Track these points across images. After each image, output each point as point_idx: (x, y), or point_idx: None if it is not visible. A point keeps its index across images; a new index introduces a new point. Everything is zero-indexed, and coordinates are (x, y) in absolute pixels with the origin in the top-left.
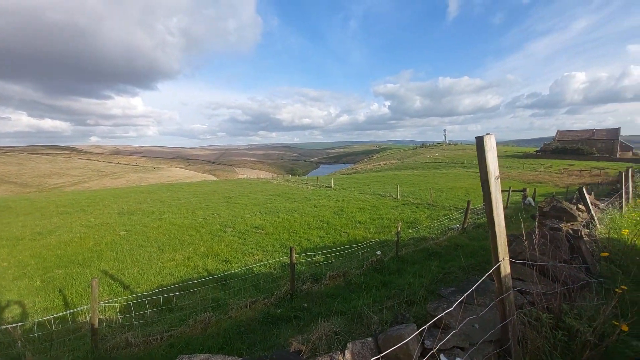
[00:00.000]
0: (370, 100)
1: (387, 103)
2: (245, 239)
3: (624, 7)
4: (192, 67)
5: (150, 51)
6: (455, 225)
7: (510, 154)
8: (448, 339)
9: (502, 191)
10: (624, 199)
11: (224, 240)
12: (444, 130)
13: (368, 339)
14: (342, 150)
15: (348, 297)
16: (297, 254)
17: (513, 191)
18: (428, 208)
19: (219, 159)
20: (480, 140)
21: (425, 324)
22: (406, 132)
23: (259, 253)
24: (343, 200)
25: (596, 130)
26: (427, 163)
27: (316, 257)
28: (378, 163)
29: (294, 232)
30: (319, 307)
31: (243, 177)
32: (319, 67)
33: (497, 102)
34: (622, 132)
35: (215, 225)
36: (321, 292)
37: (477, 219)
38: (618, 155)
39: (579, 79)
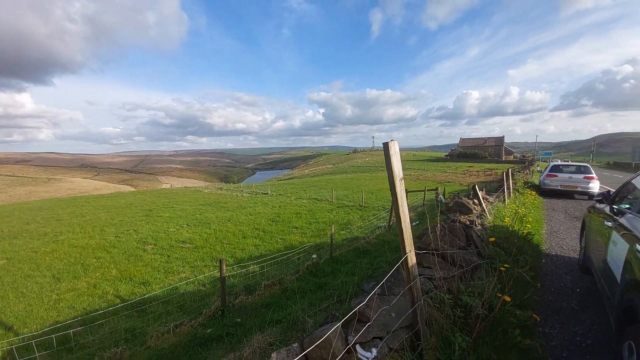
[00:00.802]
0: (305, 107)
1: (322, 110)
2: (169, 256)
3: (505, 40)
4: (100, 61)
5: (45, 40)
6: (383, 224)
7: (426, 158)
8: (368, 331)
9: (420, 190)
10: (506, 194)
11: (142, 259)
12: (373, 137)
13: (294, 344)
14: (278, 155)
15: (284, 304)
16: (230, 265)
17: (428, 190)
18: (360, 209)
19: (138, 167)
20: (386, 146)
21: (352, 321)
22: (340, 138)
23: (186, 270)
24: (280, 206)
25: (487, 138)
26: (360, 167)
27: (251, 267)
28: (314, 168)
29: (227, 243)
30: (253, 320)
31: (168, 186)
32: (253, 71)
33: (415, 113)
34: (506, 140)
35: (131, 243)
36: (256, 304)
37: None
38: (503, 158)
39: (474, 96)
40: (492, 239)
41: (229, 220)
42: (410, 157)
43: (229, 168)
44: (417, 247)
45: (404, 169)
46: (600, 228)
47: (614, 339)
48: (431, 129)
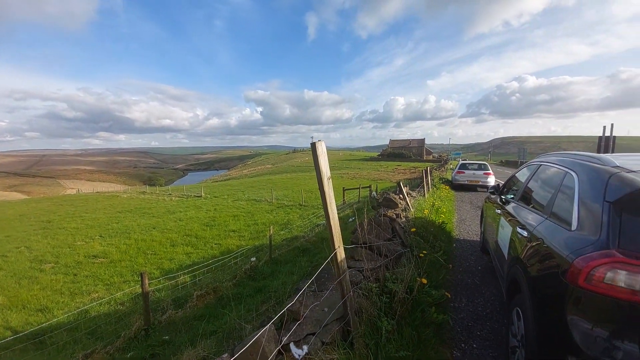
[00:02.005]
0: (242, 104)
1: (259, 109)
2: (76, 275)
3: (424, 54)
4: None
5: None
6: (322, 222)
7: (361, 157)
8: (301, 328)
9: (355, 188)
10: (425, 189)
11: (38, 281)
12: (312, 137)
13: (224, 355)
14: (213, 155)
15: (219, 313)
16: (155, 278)
17: (363, 188)
18: (300, 208)
19: (31, 170)
20: (313, 146)
21: (288, 321)
22: (279, 138)
23: (99, 289)
24: (215, 209)
25: (412, 139)
26: (299, 167)
27: (181, 278)
28: (253, 168)
29: (152, 254)
30: (184, 335)
31: (74, 192)
32: (181, 63)
33: (350, 115)
34: (426, 141)
35: (22, 263)
36: (187, 317)
37: (338, 213)
38: (425, 158)
39: (400, 101)
40: (413, 229)
41: (154, 228)
42: (348, 157)
43: (154, 169)
44: (350, 242)
45: (343, 168)
46: (493, 215)
47: (505, 307)
48: (365, 131)
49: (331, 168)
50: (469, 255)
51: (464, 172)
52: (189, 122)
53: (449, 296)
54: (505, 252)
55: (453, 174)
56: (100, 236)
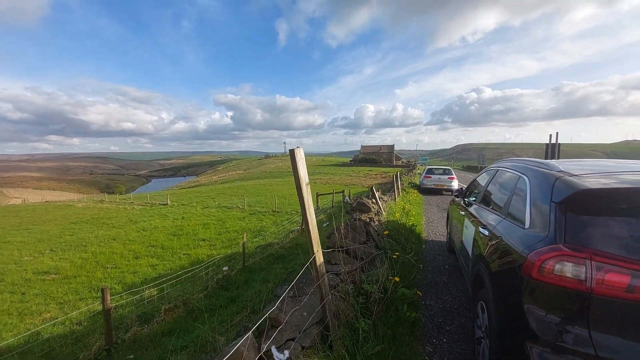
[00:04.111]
0: (211, 108)
1: (230, 113)
2: (24, 293)
3: (392, 64)
4: None
5: None
6: (296, 227)
7: (334, 163)
8: (281, 335)
9: (329, 193)
10: (396, 193)
11: None
12: (284, 143)
13: None
14: (180, 161)
15: (190, 327)
16: (117, 293)
17: (336, 193)
18: (273, 215)
19: None
20: (292, 153)
21: (267, 329)
22: (250, 143)
23: (52, 308)
24: (183, 217)
25: (382, 145)
26: (272, 173)
27: (146, 292)
28: (224, 174)
29: (112, 268)
30: (151, 353)
31: (20, 201)
32: (145, 64)
33: (322, 121)
34: (395, 148)
35: None
36: (154, 333)
37: None
38: (394, 163)
39: (370, 109)
40: (386, 232)
41: (114, 239)
42: (321, 162)
43: (114, 176)
44: (326, 246)
45: (316, 173)
46: (457, 216)
47: (471, 302)
48: (337, 136)
49: None
50: (437, 255)
51: (430, 177)
52: (153, 126)
53: (420, 294)
54: (470, 250)
55: (421, 178)
56: (51, 250)
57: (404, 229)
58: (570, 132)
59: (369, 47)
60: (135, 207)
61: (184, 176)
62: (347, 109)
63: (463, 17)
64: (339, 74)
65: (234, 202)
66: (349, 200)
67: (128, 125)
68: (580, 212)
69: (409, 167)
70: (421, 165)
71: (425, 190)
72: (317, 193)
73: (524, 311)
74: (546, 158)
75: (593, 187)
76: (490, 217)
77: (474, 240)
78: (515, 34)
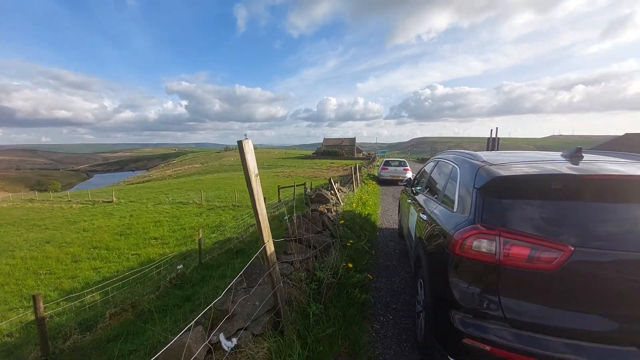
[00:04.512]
0: (163, 97)
1: (184, 102)
2: None
3: (354, 58)
4: None
5: None
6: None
7: (297, 156)
8: (232, 325)
9: (291, 186)
10: (354, 184)
11: None
12: (245, 135)
13: None
14: (128, 154)
15: (140, 330)
16: (53, 300)
17: (298, 185)
18: (233, 209)
19: None
20: (240, 144)
21: (219, 322)
22: (208, 135)
23: None
24: (131, 216)
25: (344, 138)
26: (232, 166)
27: (88, 297)
28: (179, 168)
29: (46, 274)
30: None
31: None
32: (82, 45)
33: (284, 113)
34: (357, 140)
35: None
36: (99, 339)
37: (273, 212)
38: (356, 156)
39: (332, 102)
40: (342, 222)
41: (48, 242)
42: (283, 155)
43: (47, 171)
44: (282, 237)
45: (279, 166)
46: (406, 204)
47: (413, 280)
48: (300, 129)
49: (267, 167)
50: (390, 241)
51: (387, 169)
52: (94, 115)
53: (371, 277)
54: (413, 234)
55: (379, 170)
56: None
57: (359, 218)
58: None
59: (331, 40)
60: (74, 205)
61: (132, 170)
62: (309, 102)
63: (419, 16)
64: (302, 66)
65: (190, 197)
66: (309, 192)
67: (62, 114)
68: (495, 196)
69: (370, 159)
70: (380, 157)
71: (382, 181)
72: (278, 186)
73: (449, 284)
74: (487, 150)
75: (505, 174)
76: (430, 204)
77: (416, 224)
78: (465, 35)
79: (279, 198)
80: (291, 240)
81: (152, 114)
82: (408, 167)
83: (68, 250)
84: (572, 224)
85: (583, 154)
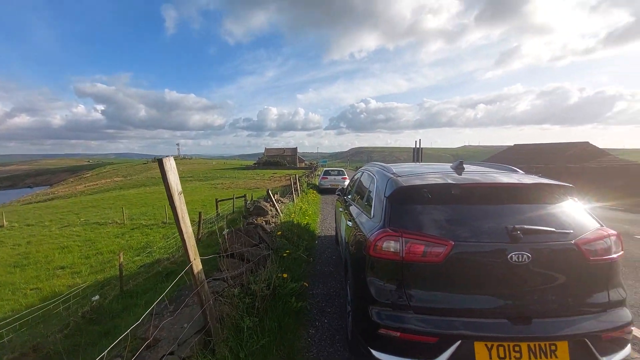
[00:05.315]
0: (72, 99)
1: (101, 107)
2: None
3: (294, 69)
4: None
5: None
6: None
7: (237, 166)
8: (156, 352)
9: (229, 199)
10: (294, 195)
11: None
12: (178, 144)
13: None
14: (24, 167)
15: None
16: None
17: (237, 198)
18: (163, 227)
19: None
20: (161, 163)
21: (141, 350)
22: (132, 144)
23: None
24: (29, 242)
25: (286, 148)
26: (161, 178)
27: None
28: (94, 182)
29: None
30: None
31: None
32: None
33: (222, 122)
34: (299, 150)
35: None
36: None
37: (211, 227)
38: (298, 165)
39: (273, 111)
40: (279, 233)
41: None
42: (222, 166)
43: None
44: (216, 253)
45: (218, 178)
46: (339, 212)
47: (344, 283)
48: (239, 138)
49: (204, 178)
50: (327, 249)
51: (327, 178)
52: None
53: (307, 285)
54: (344, 240)
55: (320, 179)
56: None
57: (297, 228)
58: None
59: (270, 51)
60: None
61: (29, 187)
62: (249, 111)
63: (352, 36)
64: (240, 74)
65: (108, 217)
66: (250, 204)
67: None
68: (400, 203)
69: (312, 168)
70: (322, 167)
71: (323, 190)
72: (216, 199)
73: (367, 282)
74: (413, 160)
75: (407, 185)
76: (355, 211)
77: (346, 231)
78: (392, 56)
79: (217, 212)
80: (224, 256)
81: (57, 119)
82: (346, 176)
83: None
84: (454, 223)
85: (464, 166)
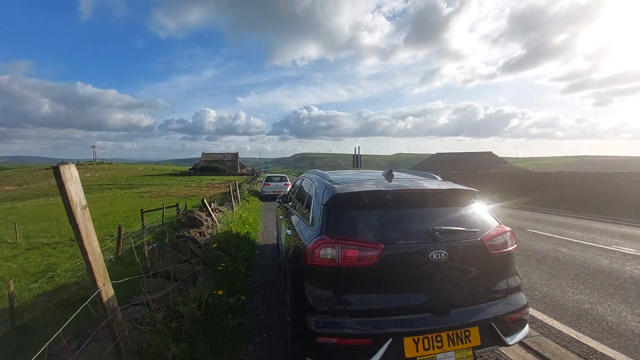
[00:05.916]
0: None
1: None
2: None
3: (234, 71)
4: None
5: None
6: (109, 256)
7: (169, 172)
8: None
9: (158, 209)
10: (234, 202)
11: None
12: (94, 147)
13: None
14: None
15: None
16: None
17: (168, 208)
18: (71, 245)
19: None
20: (57, 172)
21: None
22: (31, 146)
23: None
24: None
25: (226, 153)
26: None
27: None
28: None
29: None
30: None
31: None
32: None
33: (151, 122)
34: (240, 155)
35: None
36: None
37: (136, 242)
38: (239, 171)
39: (212, 114)
40: (215, 245)
41: None
42: (151, 172)
43: None
44: (137, 274)
45: (144, 185)
46: (280, 219)
47: (284, 293)
48: (172, 142)
49: (127, 186)
50: (268, 258)
51: (269, 184)
52: None
53: (244, 299)
54: (284, 248)
55: (261, 186)
56: None
57: (236, 239)
58: (368, 146)
59: (208, 50)
60: None
61: None
62: (184, 112)
63: (294, 44)
64: (174, 71)
65: None
66: (181, 215)
67: None
68: (336, 209)
69: (254, 174)
70: (264, 172)
71: (265, 197)
72: (142, 210)
73: (305, 291)
74: (353, 166)
75: (343, 192)
76: (294, 219)
77: (286, 239)
78: (332, 67)
79: (142, 224)
80: (145, 276)
81: None
82: (289, 182)
83: None
84: (385, 227)
85: (394, 174)
